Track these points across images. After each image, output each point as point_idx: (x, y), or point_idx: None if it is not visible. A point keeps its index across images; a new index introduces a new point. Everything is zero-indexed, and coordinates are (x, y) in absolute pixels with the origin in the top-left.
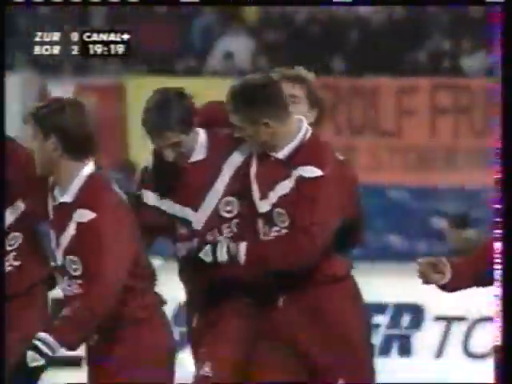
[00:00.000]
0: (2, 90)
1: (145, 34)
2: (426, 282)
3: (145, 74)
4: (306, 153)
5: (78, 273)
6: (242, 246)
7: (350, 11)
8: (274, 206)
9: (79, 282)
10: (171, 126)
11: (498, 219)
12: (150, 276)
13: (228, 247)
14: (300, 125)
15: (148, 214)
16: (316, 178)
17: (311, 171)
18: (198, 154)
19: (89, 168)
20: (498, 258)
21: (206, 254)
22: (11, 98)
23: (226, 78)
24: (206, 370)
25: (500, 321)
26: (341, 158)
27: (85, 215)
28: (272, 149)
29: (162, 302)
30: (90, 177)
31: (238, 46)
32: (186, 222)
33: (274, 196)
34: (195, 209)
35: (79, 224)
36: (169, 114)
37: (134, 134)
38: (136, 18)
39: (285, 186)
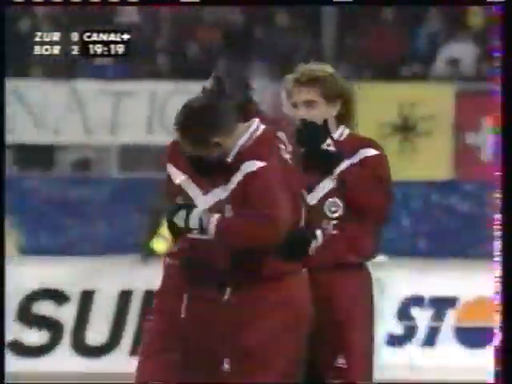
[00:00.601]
0: (2, 91)
1: (372, 39)
2: None
3: (370, 80)
4: (250, 148)
5: None
6: (214, 218)
7: None
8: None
9: None
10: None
11: None
12: None
13: (201, 216)
14: (249, 125)
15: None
16: (260, 168)
17: (254, 164)
18: None
19: None
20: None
21: (179, 218)
22: None
23: (450, 83)
24: (226, 366)
25: (500, 320)
26: (287, 157)
27: None
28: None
29: None
30: None
31: (463, 52)
32: (189, 200)
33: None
34: (206, 192)
35: None
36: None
37: None
38: (366, 23)
39: (233, 181)
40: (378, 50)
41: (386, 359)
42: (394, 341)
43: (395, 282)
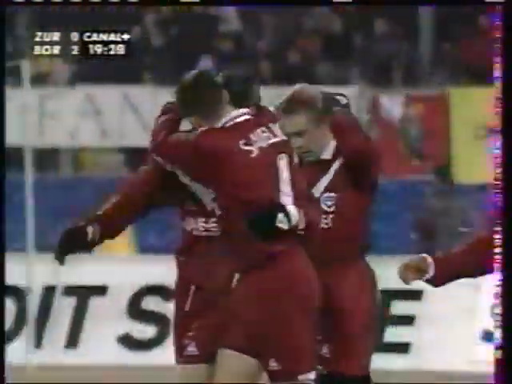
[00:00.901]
0: (2, 93)
1: (468, 44)
2: (407, 283)
3: (469, 85)
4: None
5: None
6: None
7: None
8: None
9: None
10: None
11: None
12: None
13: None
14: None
15: (171, 180)
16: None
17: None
18: None
19: None
20: (497, 254)
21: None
22: None
23: None
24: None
25: (500, 320)
26: (244, 147)
27: None
28: None
29: None
30: None
31: None
32: (196, 198)
33: None
34: None
35: None
36: None
37: (456, 141)
38: (463, 28)
39: None
40: (474, 55)
41: (481, 355)
42: (490, 337)
43: (490, 278)
